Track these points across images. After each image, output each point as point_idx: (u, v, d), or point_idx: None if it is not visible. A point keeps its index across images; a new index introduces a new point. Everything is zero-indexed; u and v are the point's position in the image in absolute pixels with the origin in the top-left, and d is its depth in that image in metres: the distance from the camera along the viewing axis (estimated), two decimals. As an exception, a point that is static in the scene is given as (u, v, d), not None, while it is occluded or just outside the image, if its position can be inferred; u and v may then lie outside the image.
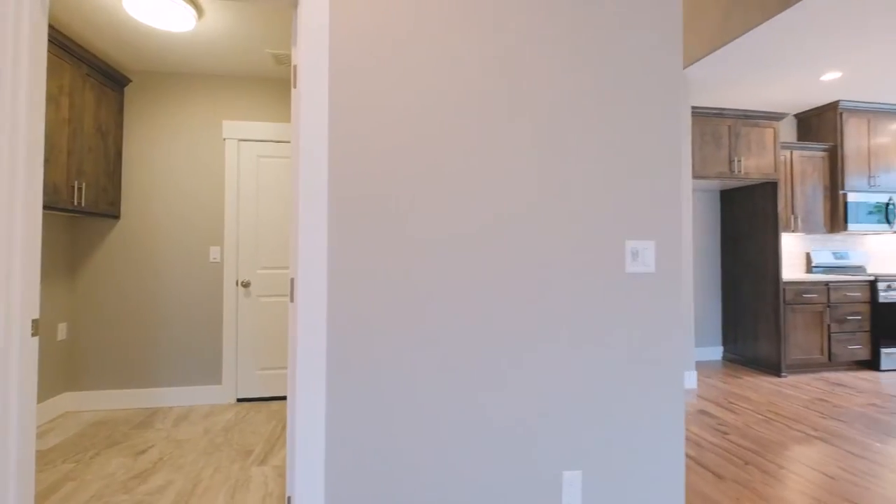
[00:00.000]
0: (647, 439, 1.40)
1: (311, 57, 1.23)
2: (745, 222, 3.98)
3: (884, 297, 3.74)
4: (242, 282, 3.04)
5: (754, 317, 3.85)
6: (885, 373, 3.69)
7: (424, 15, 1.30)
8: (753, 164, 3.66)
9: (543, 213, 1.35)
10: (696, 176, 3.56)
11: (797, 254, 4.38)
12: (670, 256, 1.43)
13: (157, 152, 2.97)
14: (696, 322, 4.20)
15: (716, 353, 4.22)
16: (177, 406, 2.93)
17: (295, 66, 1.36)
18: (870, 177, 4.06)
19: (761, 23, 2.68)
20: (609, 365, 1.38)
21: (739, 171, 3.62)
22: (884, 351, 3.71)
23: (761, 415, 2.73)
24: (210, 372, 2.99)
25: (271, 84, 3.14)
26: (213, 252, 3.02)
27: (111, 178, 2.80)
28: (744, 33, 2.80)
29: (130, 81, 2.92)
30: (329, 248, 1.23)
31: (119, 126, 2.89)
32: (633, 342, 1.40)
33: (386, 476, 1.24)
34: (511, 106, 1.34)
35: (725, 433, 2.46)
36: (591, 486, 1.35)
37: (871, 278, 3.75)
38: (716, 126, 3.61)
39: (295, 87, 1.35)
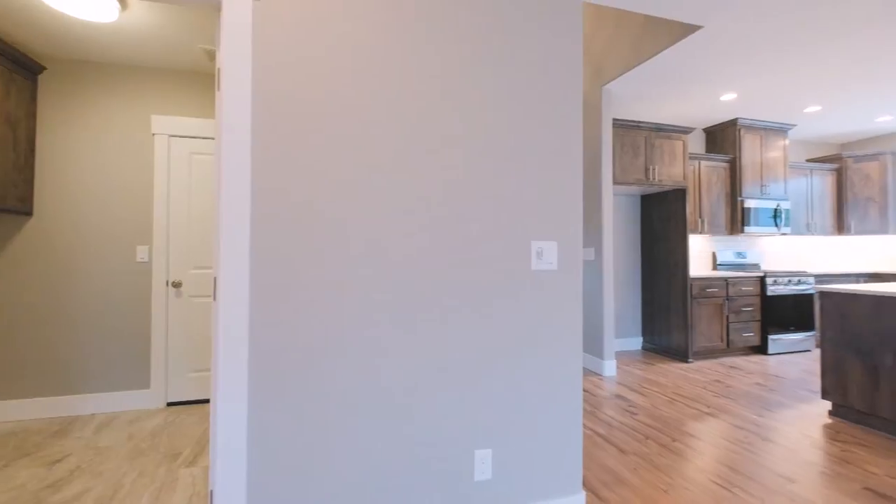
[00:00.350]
0: (549, 419, 1.58)
1: (233, 59, 1.29)
2: (660, 225, 4.42)
3: (771, 290, 4.31)
4: (173, 282, 2.95)
5: (667, 310, 4.29)
6: (772, 356, 4.26)
7: (353, 16, 1.39)
8: (666, 173, 4.08)
9: (460, 218, 1.49)
10: (616, 182, 3.91)
11: (705, 253, 4.92)
12: (571, 255, 1.63)
13: (77, 145, 2.81)
14: (619, 316, 4.60)
15: (636, 343, 4.64)
16: (100, 413, 2.79)
17: (219, 69, 1.40)
18: (762, 186, 4.66)
19: (667, 48, 3.02)
20: (517, 353, 1.55)
21: (654, 179, 4.02)
22: (770, 338, 4.28)
23: (667, 396, 3.08)
24: (137, 376, 2.88)
25: (205, 79, 3.07)
26: (141, 252, 2.91)
27: (21, 171, 2.62)
28: (653, 56, 3.14)
29: (44, 69, 2.74)
30: (252, 246, 1.29)
31: (31, 116, 2.70)
32: (537, 333, 1.58)
33: (306, 466, 1.32)
34: (439, 113, 1.47)
35: (634, 413, 2.76)
36: (500, 462, 1.52)
37: (762, 274, 4.31)
38: (634, 137, 3.99)
39: (219, 89, 1.40)
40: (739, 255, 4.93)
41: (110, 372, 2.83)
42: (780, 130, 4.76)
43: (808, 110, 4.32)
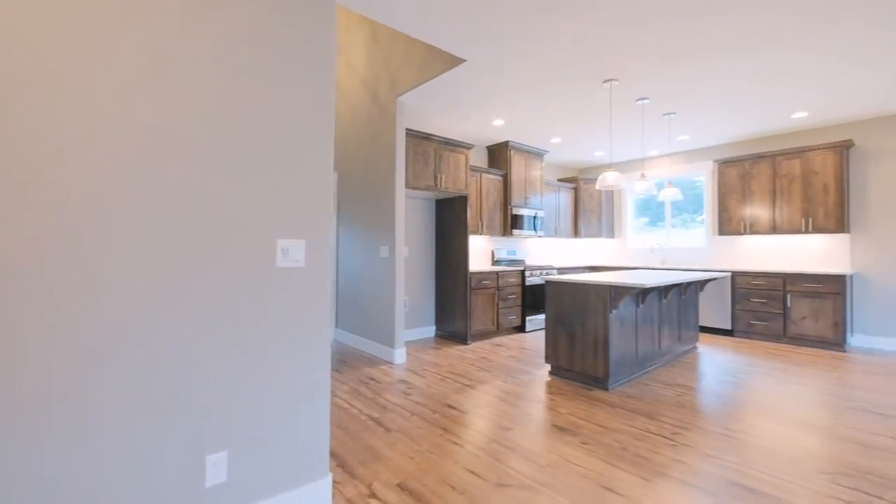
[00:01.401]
0: (295, 413, 1.65)
1: None
2: (449, 226, 5.04)
3: (529, 280, 5.41)
4: None
5: (453, 300, 4.93)
6: (528, 333, 5.36)
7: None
8: (452, 181, 4.67)
9: (203, 214, 1.41)
10: (409, 186, 4.28)
11: (486, 251, 5.84)
12: (319, 253, 1.72)
13: None
14: (417, 307, 5.06)
15: (431, 331, 5.19)
16: None
17: None
18: (525, 198, 5.79)
19: (443, 72, 3.46)
20: (261, 350, 1.56)
21: (442, 186, 4.55)
22: (528, 318, 5.38)
23: (441, 375, 3.55)
24: None
25: None
26: None
27: None
28: (433, 77, 3.55)
29: None
30: None
31: None
32: (282, 329, 1.62)
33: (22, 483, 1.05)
34: (171, 109, 1.34)
35: (409, 394, 3.09)
36: (239, 462, 1.50)
37: (523, 268, 5.37)
38: (425, 147, 4.44)
39: None
40: (511, 252, 6.03)
41: None
42: (539, 154, 6.00)
43: (553, 140, 5.57)
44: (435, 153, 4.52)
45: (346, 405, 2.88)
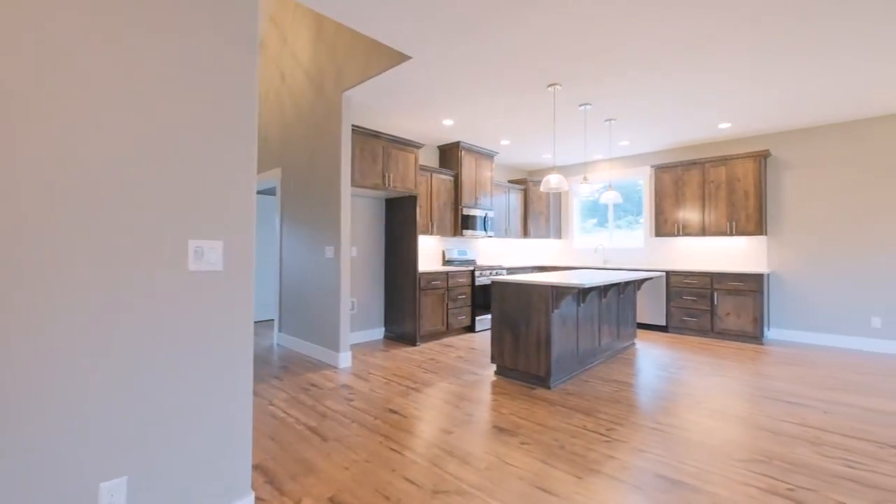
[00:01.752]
0: (210, 429, 1.51)
1: None
2: (399, 226, 4.96)
3: (479, 281, 5.45)
4: None
5: (403, 301, 4.85)
6: (478, 333, 5.40)
7: None
8: (401, 180, 4.59)
9: (102, 210, 1.25)
10: (356, 185, 4.16)
11: (437, 251, 5.81)
12: (239, 256, 1.60)
13: None
14: (366, 308, 4.93)
15: (380, 333, 5.08)
16: None
17: None
18: (476, 198, 5.83)
19: (389, 68, 3.37)
20: (171, 362, 1.42)
21: (390, 185, 4.46)
22: (477, 318, 5.42)
23: (386, 379, 3.47)
24: None
25: None
26: None
27: None
28: (380, 73, 3.46)
29: None
30: None
31: None
32: (197, 337, 1.48)
33: None
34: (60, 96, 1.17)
35: (351, 400, 2.99)
36: (141, 488, 1.36)
37: (471, 268, 5.40)
38: (373, 145, 4.33)
39: None
40: (462, 252, 6.04)
41: None
42: (489, 155, 6.06)
43: (503, 142, 5.64)
44: (383, 151, 4.42)
45: (282, 414, 2.74)
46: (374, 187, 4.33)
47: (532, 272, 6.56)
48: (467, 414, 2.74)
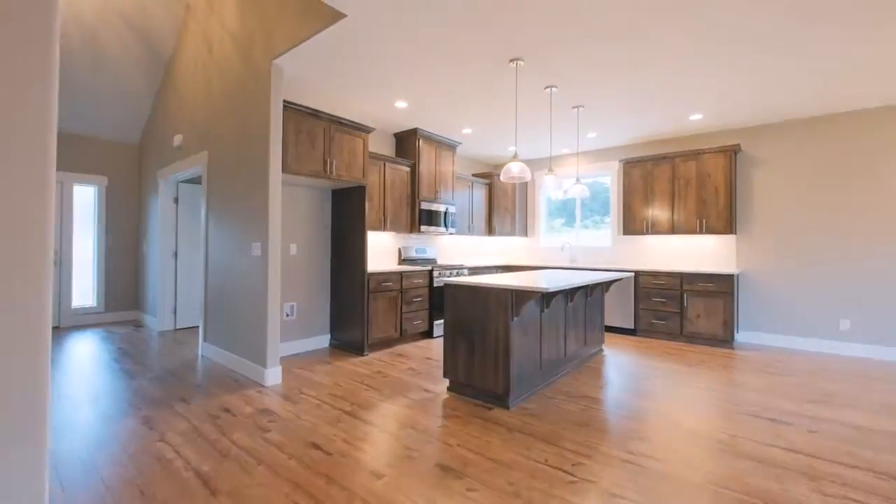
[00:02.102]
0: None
1: None
2: (346, 221, 4.40)
3: (438, 281, 4.97)
4: None
5: (351, 305, 4.31)
6: (436, 339, 4.92)
7: None
8: (346, 168, 4.04)
9: None
10: (291, 171, 3.58)
11: (392, 249, 5.29)
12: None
13: None
14: (307, 313, 4.35)
15: (325, 341, 4.51)
16: None
17: None
18: (436, 192, 5.34)
19: (322, 29, 2.83)
20: None
21: (333, 173, 3.91)
22: (436, 322, 4.94)
23: (319, 401, 2.93)
24: None
25: None
26: None
27: None
28: (313, 35, 2.90)
29: None
30: None
31: None
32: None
33: None
34: None
35: (266, 431, 2.44)
36: None
37: (430, 268, 4.92)
38: (312, 126, 3.75)
39: None
40: (421, 251, 5.54)
41: None
42: (451, 145, 5.59)
43: (465, 131, 5.18)
44: (325, 134, 3.85)
45: (171, 454, 2.16)
46: (313, 175, 3.76)
47: (496, 272, 6.15)
48: (407, 448, 2.25)
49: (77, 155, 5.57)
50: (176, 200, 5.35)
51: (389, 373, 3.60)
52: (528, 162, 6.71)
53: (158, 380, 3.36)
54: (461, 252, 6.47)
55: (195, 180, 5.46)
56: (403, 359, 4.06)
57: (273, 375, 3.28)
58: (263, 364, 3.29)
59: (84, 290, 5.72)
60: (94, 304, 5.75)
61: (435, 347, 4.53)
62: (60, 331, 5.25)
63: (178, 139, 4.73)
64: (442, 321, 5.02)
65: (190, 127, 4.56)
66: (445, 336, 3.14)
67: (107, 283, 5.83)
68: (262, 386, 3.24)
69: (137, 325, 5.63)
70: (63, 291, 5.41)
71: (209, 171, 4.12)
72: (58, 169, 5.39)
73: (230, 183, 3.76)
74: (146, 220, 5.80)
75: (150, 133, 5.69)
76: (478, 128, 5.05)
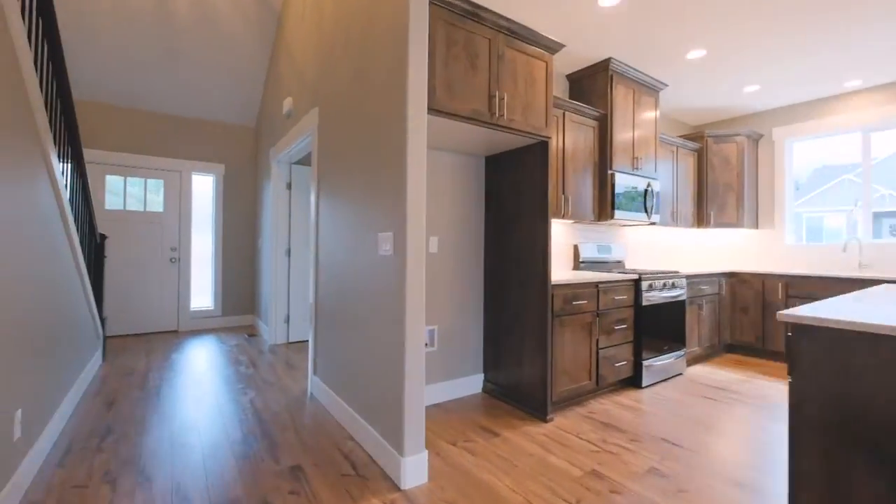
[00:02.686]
0: None
1: None
2: (510, 202, 2.82)
3: (647, 299, 3.10)
4: None
5: (517, 332, 2.71)
6: (647, 389, 3.06)
7: None
8: (520, 109, 2.44)
9: None
10: (437, 108, 2.08)
11: (566, 246, 3.58)
12: None
13: None
14: (453, 341, 2.88)
15: (476, 383, 2.99)
16: None
17: None
18: (634, 158, 3.48)
19: None
20: None
21: (502, 115, 2.34)
22: (644, 363, 3.07)
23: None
24: None
25: None
26: None
27: None
28: None
29: None
30: None
31: None
32: None
33: None
34: None
35: None
36: None
37: (635, 277, 3.07)
38: (471, 36, 2.23)
39: None
40: (604, 249, 3.72)
41: None
42: (653, 89, 3.67)
43: (691, 54, 3.22)
44: (491, 49, 2.30)
45: None
46: (474, 116, 2.23)
47: (725, 281, 4.01)
48: None
49: (194, 141, 5.02)
50: (289, 186, 4.39)
51: (612, 475, 1.88)
52: (775, 112, 4.39)
53: (243, 441, 2.16)
54: (656, 251, 4.44)
55: (308, 161, 4.48)
56: (618, 435, 2.30)
57: (414, 470, 1.82)
58: (399, 447, 1.84)
59: (202, 291, 5.17)
60: (212, 307, 5.17)
61: (649, 406, 2.68)
62: (179, 335, 4.70)
63: (287, 104, 3.69)
64: (653, 360, 3.13)
65: (299, 86, 3.46)
66: (798, 437, 1.30)
67: (223, 284, 5.21)
68: (397, 489, 1.79)
69: (251, 333, 4.87)
70: (182, 293, 4.88)
71: (320, 134, 2.90)
72: (175, 157, 4.88)
73: (346, 143, 2.45)
74: (261, 212, 5.04)
75: (265, 112, 4.90)
76: (716, 47, 3.06)
